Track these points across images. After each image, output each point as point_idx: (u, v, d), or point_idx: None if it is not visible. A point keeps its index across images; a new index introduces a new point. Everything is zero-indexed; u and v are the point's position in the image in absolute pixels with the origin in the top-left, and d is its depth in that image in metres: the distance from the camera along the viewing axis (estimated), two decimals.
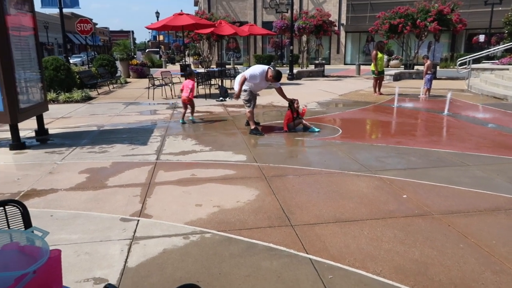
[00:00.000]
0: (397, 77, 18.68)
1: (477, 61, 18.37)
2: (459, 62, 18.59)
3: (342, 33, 36.76)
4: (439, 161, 5.26)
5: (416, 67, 21.40)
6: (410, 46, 21.89)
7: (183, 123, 8.22)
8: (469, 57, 16.82)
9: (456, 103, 10.89)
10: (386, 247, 2.96)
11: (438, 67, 22.11)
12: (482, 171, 4.79)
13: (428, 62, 12.33)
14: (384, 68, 13.14)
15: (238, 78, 7.26)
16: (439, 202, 3.83)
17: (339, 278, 2.58)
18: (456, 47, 34.82)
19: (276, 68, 7.63)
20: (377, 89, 12.98)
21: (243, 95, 7.17)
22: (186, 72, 10.16)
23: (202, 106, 10.75)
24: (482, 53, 18.73)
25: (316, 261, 2.79)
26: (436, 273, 2.61)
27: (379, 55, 12.64)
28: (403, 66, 24.91)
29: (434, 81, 14.50)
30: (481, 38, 31.79)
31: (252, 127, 7.16)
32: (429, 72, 12.26)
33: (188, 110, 8.38)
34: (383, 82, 13.51)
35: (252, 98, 7.21)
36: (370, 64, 13.44)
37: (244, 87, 7.12)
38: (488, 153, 5.64)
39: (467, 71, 16.32)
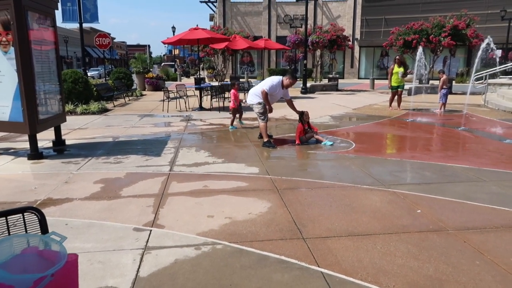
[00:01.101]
0: (411, 92, 18.55)
1: (493, 76, 18.15)
2: (475, 77, 18.40)
3: (356, 48, 36.86)
4: (455, 176, 5.18)
5: (431, 81, 21.25)
6: (425, 61, 21.77)
7: (232, 128, 9.09)
8: (486, 72, 16.65)
9: (472, 118, 10.76)
10: (400, 262, 2.92)
11: (453, 81, 21.93)
12: (499, 187, 4.70)
13: (444, 76, 12.22)
14: (403, 83, 12.60)
15: (257, 91, 7.23)
16: (455, 218, 3.76)
17: None
18: (472, 61, 34.45)
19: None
20: (392, 104, 12.81)
21: (258, 108, 7.21)
22: (230, 83, 11.48)
23: (216, 118, 10.85)
24: (500, 68, 18.51)
25: (328, 274, 2.76)
26: None
27: (395, 69, 12.51)
28: (417, 81, 24.76)
29: (449, 96, 14.35)
30: (498, 53, 31.45)
31: (265, 139, 7.19)
32: (444, 86, 12.14)
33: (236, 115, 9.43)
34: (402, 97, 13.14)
35: (266, 111, 7.25)
36: (384, 79, 13.31)
37: (258, 100, 7.18)
38: (505, 169, 5.53)
39: (484, 86, 16.13)
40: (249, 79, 24.31)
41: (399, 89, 12.55)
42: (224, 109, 12.62)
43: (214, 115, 11.52)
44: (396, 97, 12.61)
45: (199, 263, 2.94)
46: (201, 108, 13.01)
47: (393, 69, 12.59)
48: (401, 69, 12.24)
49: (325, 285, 2.63)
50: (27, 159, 6.21)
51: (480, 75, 17.50)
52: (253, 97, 7.31)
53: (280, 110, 11.80)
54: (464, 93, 18.92)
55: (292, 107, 7.65)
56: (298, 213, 3.90)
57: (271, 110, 7.28)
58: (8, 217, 1.63)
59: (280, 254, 3.06)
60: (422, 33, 19.51)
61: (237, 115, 9.55)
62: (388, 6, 35.04)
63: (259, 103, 7.19)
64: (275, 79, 7.21)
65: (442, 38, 18.83)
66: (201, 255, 3.07)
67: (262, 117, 7.21)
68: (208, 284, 2.66)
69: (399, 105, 12.67)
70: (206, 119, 10.72)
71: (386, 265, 2.88)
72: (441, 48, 19.81)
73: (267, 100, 7.12)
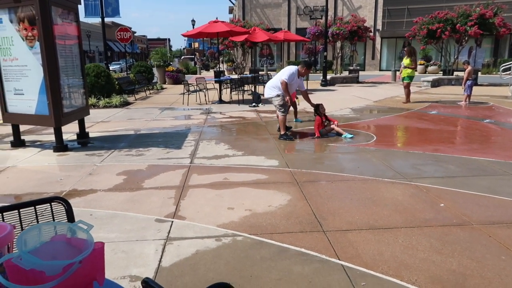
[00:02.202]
0: (435, 83, 18.12)
1: None
2: (502, 68, 17.81)
3: (378, 39, 36.15)
4: (480, 169, 5.05)
5: (455, 73, 20.67)
6: (449, 52, 21.18)
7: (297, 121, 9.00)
8: None
9: (499, 110, 10.43)
10: (422, 256, 2.88)
11: (479, 73, 21.28)
12: None
13: (469, 67, 11.85)
14: (417, 74, 11.96)
15: (274, 84, 7.18)
16: (479, 212, 3.68)
17: (372, 285, 2.54)
18: (500, 52, 33.31)
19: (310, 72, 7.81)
20: (407, 97, 12.26)
21: (277, 100, 7.12)
22: None
23: (236, 111, 10.88)
24: None
25: (349, 267, 2.75)
26: (475, 285, 2.51)
27: (404, 60, 11.95)
28: (441, 72, 24.13)
29: (475, 88, 13.91)
30: None
31: (282, 132, 7.14)
32: (469, 78, 11.79)
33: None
34: (414, 89, 12.53)
35: (286, 103, 7.16)
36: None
37: (277, 92, 7.10)
38: None
39: (511, 77, 15.58)
40: (268, 72, 24.22)
41: (404, 81, 12.01)
42: (243, 102, 12.63)
43: (234, 108, 11.54)
44: (407, 88, 12.10)
45: (220, 254, 2.97)
46: (220, 101, 13.07)
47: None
48: (407, 61, 11.77)
49: (346, 278, 2.62)
50: (53, 151, 6.39)
51: (508, 66, 16.91)
52: (271, 90, 7.23)
53: (300, 103, 11.72)
54: (490, 85, 18.34)
55: (307, 99, 7.70)
56: (318, 206, 3.89)
57: (290, 101, 7.25)
58: (36, 207, 1.69)
59: (300, 246, 3.06)
60: (447, 23, 18.93)
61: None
62: None
63: (278, 95, 7.12)
64: (292, 68, 7.17)
65: (469, 27, 18.22)
66: (221, 246, 3.10)
67: (282, 110, 7.12)
68: (228, 274, 2.69)
69: (406, 98, 12.15)
70: (225, 112, 10.76)
71: (408, 259, 2.84)
72: (466, 38, 19.19)
73: (287, 90, 7.03)
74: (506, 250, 2.95)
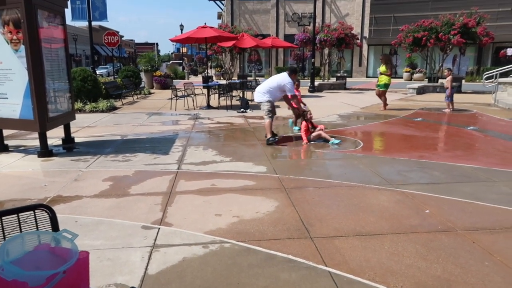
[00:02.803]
0: (420, 91, 18.42)
1: (504, 75, 17.92)
2: (485, 76, 18.22)
3: (365, 46, 36.63)
4: (464, 176, 5.14)
5: (440, 80, 21.05)
6: (434, 60, 21.58)
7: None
8: (496, 71, 16.46)
9: (482, 117, 10.65)
10: (408, 262, 2.91)
11: (463, 80, 21.70)
12: (509, 187, 4.65)
13: (451, 75, 12.02)
14: (403, 81, 12.08)
15: (265, 89, 7.36)
16: (464, 218, 3.74)
17: None
18: (483, 60, 34.07)
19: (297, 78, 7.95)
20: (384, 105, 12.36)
21: (267, 105, 7.33)
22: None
23: (224, 117, 10.87)
24: (510, 67, 18.28)
25: (336, 274, 2.76)
26: None
27: (381, 68, 12.09)
28: (427, 80, 24.56)
29: (460, 95, 14.16)
30: (509, 51, 31.05)
31: (269, 135, 7.29)
32: (450, 86, 11.92)
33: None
34: (392, 97, 12.50)
35: (273, 109, 7.39)
36: (392, 77, 12.92)
37: (269, 98, 7.34)
38: None
39: (494, 85, 15.94)
40: (256, 78, 24.29)
41: (380, 89, 12.11)
42: (232, 107, 12.63)
43: (222, 114, 11.54)
44: (382, 96, 12.23)
45: (207, 261, 2.95)
46: (208, 106, 13.05)
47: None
48: (382, 68, 11.95)
49: (333, 285, 2.63)
50: (37, 157, 6.28)
51: (491, 74, 17.30)
52: (262, 95, 7.37)
53: (285, 109, 11.79)
54: (474, 92, 18.73)
55: (288, 102, 7.96)
56: (306, 212, 3.90)
57: (307, 113, 7.51)
58: (20, 214, 1.66)
59: (288, 253, 3.06)
60: (432, 31, 19.31)
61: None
62: (397, 4, 34.72)
63: (269, 101, 7.32)
64: (287, 77, 7.34)
65: (452, 36, 18.62)
66: (209, 253, 3.08)
67: (270, 115, 7.30)
68: (215, 282, 2.68)
69: (384, 105, 12.31)
70: (213, 118, 10.75)
71: (394, 265, 2.87)
72: (450, 47, 19.58)
73: (299, 103, 7.77)
74: (490, 256, 3.00)
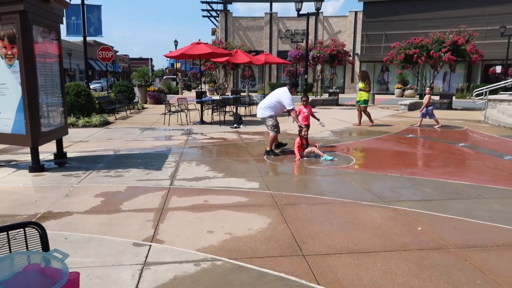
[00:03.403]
0: (412, 107, 18.64)
1: (494, 92, 18.24)
2: (475, 93, 18.51)
3: (357, 63, 37.16)
4: (455, 193, 5.18)
5: (432, 97, 21.34)
6: (425, 76, 21.93)
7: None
8: (486, 88, 16.75)
9: (473, 134, 10.78)
10: (400, 281, 2.90)
11: (454, 97, 22.03)
12: (500, 204, 4.69)
13: (430, 94, 12.14)
14: (394, 98, 12.38)
15: (267, 105, 7.64)
16: (456, 236, 3.75)
17: None
18: (473, 77, 34.70)
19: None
20: (360, 120, 12.58)
21: (271, 121, 7.64)
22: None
23: (217, 132, 10.89)
24: (499, 84, 18.63)
25: None
26: None
27: (359, 85, 12.35)
28: (418, 96, 24.89)
29: (450, 112, 14.30)
30: (498, 69, 31.70)
31: (269, 148, 7.70)
32: (430, 104, 12.03)
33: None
34: (372, 113, 12.78)
35: (278, 123, 7.75)
36: (384, 94, 13.17)
37: (271, 113, 7.62)
38: (506, 186, 5.53)
39: (484, 102, 16.20)
40: (250, 93, 24.44)
41: (360, 105, 12.34)
42: (225, 123, 12.67)
43: (215, 129, 11.56)
44: (365, 112, 12.43)
45: (199, 279, 2.92)
46: (202, 122, 13.07)
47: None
48: (361, 85, 12.18)
49: None
50: (28, 172, 6.22)
51: (481, 91, 17.60)
52: (264, 110, 7.69)
53: (281, 124, 11.84)
54: (464, 109, 19.01)
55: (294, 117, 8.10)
56: (298, 229, 3.89)
57: (302, 130, 7.52)
58: (9, 232, 1.64)
59: (280, 271, 3.04)
60: (423, 49, 19.70)
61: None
62: (388, 22, 35.43)
63: (271, 116, 7.62)
64: (287, 92, 7.61)
65: (442, 54, 19.00)
66: (200, 271, 3.05)
67: (275, 130, 7.69)
68: None
69: (359, 121, 12.53)
70: (207, 133, 10.76)
71: (387, 284, 2.86)
72: (441, 64, 19.95)
73: (297, 117, 7.75)
74: (482, 274, 3.01)
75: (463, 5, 32.84)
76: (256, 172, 6.29)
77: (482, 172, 6.45)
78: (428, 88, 12.68)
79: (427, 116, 12.08)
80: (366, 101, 12.30)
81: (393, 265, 3.14)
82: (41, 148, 6.51)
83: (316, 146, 7.54)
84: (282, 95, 7.58)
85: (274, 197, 4.96)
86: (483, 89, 17.17)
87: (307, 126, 8.34)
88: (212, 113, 13.61)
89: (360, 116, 12.61)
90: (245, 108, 16.39)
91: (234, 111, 14.69)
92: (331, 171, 6.50)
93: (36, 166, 6.27)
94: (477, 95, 18.15)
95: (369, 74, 12.92)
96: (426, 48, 19.62)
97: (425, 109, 12.04)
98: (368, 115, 12.42)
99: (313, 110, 8.55)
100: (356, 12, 37.47)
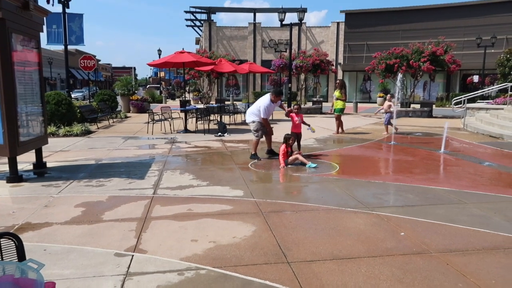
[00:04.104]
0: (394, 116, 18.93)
1: (472, 100, 18.73)
2: (454, 101, 18.97)
3: (340, 72, 37.68)
4: (437, 198, 5.26)
5: (412, 105, 21.77)
6: (406, 85, 22.37)
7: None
8: (464, 97, 17.18)
9: (453, 141, 11.01)
10: (384, 286, 2.91)
11: (434, 105, 22.52)
12: (479, 209, 4.79)
13: (391, 102, 12.29)
14: (376, 106, 12.51)
15: (252, 111, 8.06)
16: (437, 240, 3.80)
17: None
18: (451, 86, 35.60)
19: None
20: (336, 128, 12.73)
21: (253, 125, 8.05)
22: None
23: (201, 141, 10.83)
24: (477, 93, 19.15)
25: None
26: None
27: (335, 93, 12.54)
28: (399, 105, 25.32)
29: (431, 119, 14.52)
30: (475, 78, 32.59)
31: (253, 152, 8.07)
32: (389, 111, 12.22)
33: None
34: (343, 121, 13.04)
35: (261, 128, 8.03)
36: (367, 102, 13.34)
37: (255, 118, 8.00)
38: (485, 191, 5.65)
39: (463, 110, 16.60)
40: (234, 102, 24.47)
41: (335, 113, 12.52)
42: (209, 131, 12.62)
43: (199, 138, 11.50)
44: (338, 119, 12.61)
45: None
46: (186, 130, 12.99)
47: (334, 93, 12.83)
48: (337, 93, 12.37)
49: None
50: (6, 182, 6.05)
51: (459, 100, 18.04)
52: (249, 116, 8.10)
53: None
54: (444, 117, 19.43)
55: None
56: (283, 236, 3.88)
57: (271, 132, 8.28)
58: None
59: (265, 278, 3.02)
60: (403, 58, 20.15)
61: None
62: (369, 32, 36.16)
63: (253, 121, 8.02)
64: (266, 101, 7.94)
65: (422, 63, 19.47)
66: (184, 280, 3.00)
67: (256, 134, 8.07)
68: None
69: (338, 129, 12.67)
70: (191, 142, 10.69)
71: None
72: (421, 73, 20.43)
73: (268, 124, 8.16)
74: (463, 278, 3.05)
75: (441, 17, 33.82)
76: (241, 180, 6.26)
77: (462, 178, 6.58)
78: (389, 95, 12.84)
79: (389, 121, 12.21)
80: (341, 110, 12.49)
81: (377, 270, 3.16)
82: (19, 158, 6.35)
83: (300, 154, 7.57)
84: (261, 102, 7.97)
85: (259, 204, 4.94)
86: (461, 98, 17.61)
87: (299, 134, 8.51)
88: (196, 122, 13.55)
89: (340, 123, 12.71)
90: (230, 117, 16.37)
91: (219, 119, 14.67)
92: (315, 178, 6.53)
93: (14, 177, 6.11)
94: (456, 104, 18.61)
95: (346, 84, 13.10)
96: (406, 58, 20.08)
97: (386, 115, 12.22)
98: (340, 124, 12.60)
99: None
100: (338, 23, 38.13)
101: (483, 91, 20.80)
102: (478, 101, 20.19)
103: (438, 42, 20.47)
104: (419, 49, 20.07)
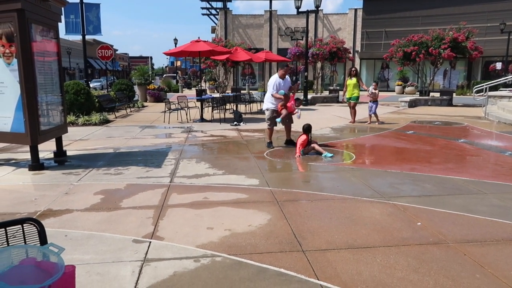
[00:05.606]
0: (412, 104, 18.62)
1: (494, 88, 18.21)
2: (475, 89, 18.48)
3: (357, 60, 37.08)
4: (455, 188, 5.17)
5: (431, 93, 21.32)
6: (425, 73, 21.89)
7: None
8: (486, 85, 16.70)
9: (473, 130, 10.77)
10: (400, 275, 2.91)
11: (454, 94, 21.99)
12: (499, 199, 4.69)
13: (375, 90, 12.07)
14: (395, 94, 12.35)
15: (266, 97, 8.16)
16: (455, 231, 3.75)
17: None
18: (473, 74, 34.64)
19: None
20: (352, 117, 12.51)
21: (266, 113, 8.13)
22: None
23: (217, 130, 10.89)
24: (500, 81, 18.59)
25: (327, 287, 2.75)
26: None
27: (348, 81, 12.27)
28: (418, 93, 24.84)
29: (451, 108, 14.18)
30: (498, 65, 31.63)
31: (268, 140, 8.20)
32: (375, 100, 12.02)
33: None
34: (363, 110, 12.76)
35: (272, 118, 8.01)
36: (385, 91, 13.10)
37: (267, 106, 8.05)
38: (506, 181, 5.52)
39: (484, 99, 16.17)
40: (250, 91, 24.43)
41: (350, 101, 12.26)
42: (225, 120, 12.66)
43: (215, 127, 11.55)
44: (353, 108, 12.38)
45: (198, 275, 2.93)
46: (202, 119, 13.07)
47: (345, 80, 12.57)
48: (353, 81, 12.08)
49: None
50: (28, 170, 6.22)
51: (481, 88, 17.57)
52: (265, 103, 8.21)
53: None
54: (465, 105, 18.99)
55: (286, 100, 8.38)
56: (298, 225, 3.89)
57: (291, 120, 8.27)
58: (8, 228, 1.64)
59: (280, 266, 3.05)
60: (422, 45, 19.66)
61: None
62: (388, 19, 35.34)
63: (267, 109, 8.08)
64: (273, 79, 8.00)
65: (442, 50, 18.96)
66: (200, 267, 3.06)
67: (268, 123, 8.12)
68: None
69: (353, 118, 12.44)
70: (207, 131, 10.76)
71: (386, 278, 2.86)
72: (441, 61, 19.91)
73: (279, 99, 7.96)
74: (481, 268, 3.01)
75: (463, 2, 32.75)
76: (256, 169, 6.29)
77: (482, 167, 6.45)
78: (374, 83, 12.56)
79: (373, 110, 12.06)
80: (358, 98, 12.24)
81: (392, 260, 3.15)
82: (40, 147, 6.52)
83: (316, 143, 7.54)
84: (270, 83, 8.01)
85: (274, 193, 4.96)
86: (483, 86, 17.12)
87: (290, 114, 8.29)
88: (212, 111, 13.60)
89: (355, 113, 12.52)
90: (245, 106, 16.38)
91: (234, 108, 14.69)
92: (331, 167, 6.50)
93: (36, 165, 6.28)
94: (477, 92, 18.13)
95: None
96: (426, 45, 19.58)
97: (370, 104, 12.03)
98: (355, 113, 12.39)
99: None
100: (356, 10, 37.38)
101: (506, 79, 20.14)
102: (501, 89, 19.62)
103: (460, 28, 19.87)
104: (439, 36, 19.54)
